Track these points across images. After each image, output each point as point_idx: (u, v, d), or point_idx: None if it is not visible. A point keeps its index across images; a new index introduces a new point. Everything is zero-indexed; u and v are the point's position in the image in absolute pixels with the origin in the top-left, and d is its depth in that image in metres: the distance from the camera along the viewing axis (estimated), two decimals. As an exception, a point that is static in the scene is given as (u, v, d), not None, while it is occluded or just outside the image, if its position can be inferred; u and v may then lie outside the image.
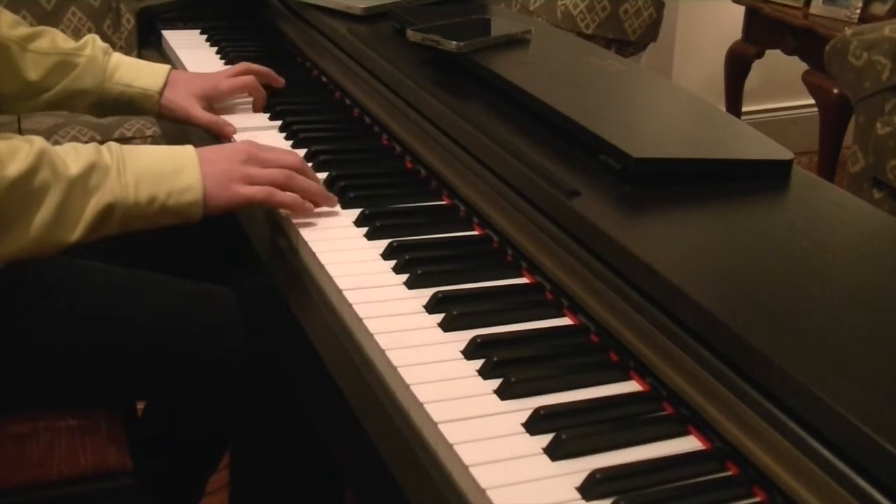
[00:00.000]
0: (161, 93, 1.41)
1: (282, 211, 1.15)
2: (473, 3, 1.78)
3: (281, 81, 1.53)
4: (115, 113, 1.46)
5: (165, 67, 1.44)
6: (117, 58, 1.42)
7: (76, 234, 1.03)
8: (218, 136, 1.40)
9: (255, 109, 1.49)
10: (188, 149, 1.11)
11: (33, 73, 1.37)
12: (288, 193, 1.11)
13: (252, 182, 1.10)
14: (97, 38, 1.43)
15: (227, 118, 1.42)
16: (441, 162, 1.23)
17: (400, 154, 1.33)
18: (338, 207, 1.18)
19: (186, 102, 1.41)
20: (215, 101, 1.46)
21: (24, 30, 1.37)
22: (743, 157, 1.14)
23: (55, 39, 1.39)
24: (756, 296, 0.87)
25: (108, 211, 1.04)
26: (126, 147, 1.08)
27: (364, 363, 0.93)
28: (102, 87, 1.40)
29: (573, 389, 0.87)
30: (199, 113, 1.40)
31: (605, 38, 2.86)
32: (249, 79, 1.48)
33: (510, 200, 1.09)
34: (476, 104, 1.28)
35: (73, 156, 1.04)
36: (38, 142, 1.03)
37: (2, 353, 1.12)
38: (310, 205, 1.09)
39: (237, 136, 1.38)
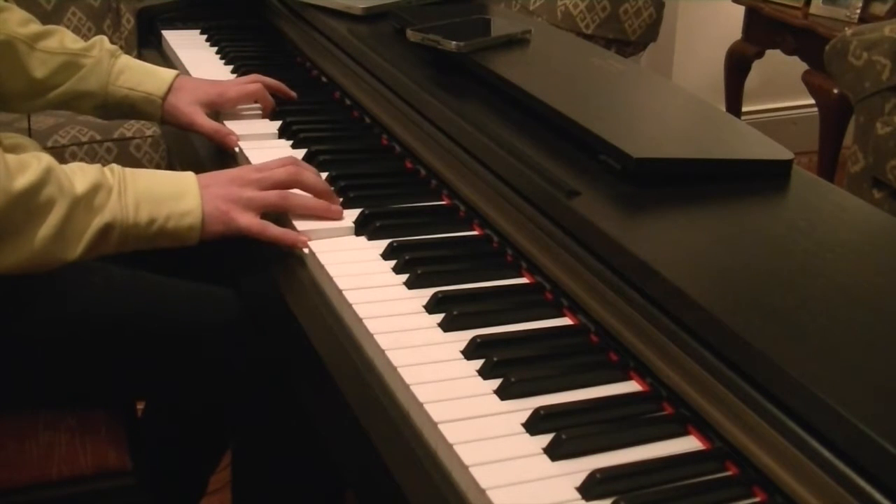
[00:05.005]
0: (164, 98, 1.40)
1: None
2: (473, 3, 1.78)
3: (293, 95, 1.50)
4: (119, 117, 1.45)
5: (172, 72, 1.43)
6: (124, 61, 1.41)
7: (76, 251, 1.04)
8: (221, 145, 1.38)
9: (265, 117, 1.46)
10: (189, 175, 1.13)
11: (39, 71, 1.37)
12: (280, 229, 1.12)
13: (249, 206, 1.12)
14: (105, 39, 1.43)
15: (232, 124, 1.40)
16: (441, 162, 1.23)
17: (400, 154, 1.33)
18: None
19: (190, 109, 1.39)
20: (222, 109, 1.44)
21: (34, 28, 1.37)
22: (743, 157, 1.14)
23: (64, 39, 1.39)
24: (756, 296, 0.87)
25: (107, 230, 1.05)
26: (128, 169, 1.10)
27: (364, 363, 0.93)
28: (106, 90, 1.40)
29: (573, 389, 0.87)
30: (203, 120, 1.38)
31: (605, 38, 2.86)
32: (258, 87, 1.45)
33: (510, 200, 1.09)
34: (476, 104, 1.28)
35: (80, 175, 1.05)
36: (47, 158, 1.04)
37: (2, 353, 1.12)
38: (303, 239, 1.10)
39: (241, 143, 1.35)
